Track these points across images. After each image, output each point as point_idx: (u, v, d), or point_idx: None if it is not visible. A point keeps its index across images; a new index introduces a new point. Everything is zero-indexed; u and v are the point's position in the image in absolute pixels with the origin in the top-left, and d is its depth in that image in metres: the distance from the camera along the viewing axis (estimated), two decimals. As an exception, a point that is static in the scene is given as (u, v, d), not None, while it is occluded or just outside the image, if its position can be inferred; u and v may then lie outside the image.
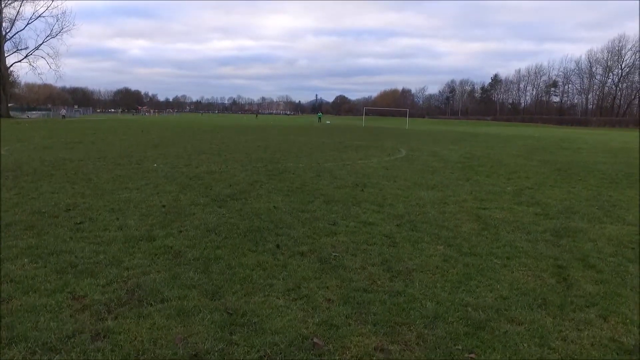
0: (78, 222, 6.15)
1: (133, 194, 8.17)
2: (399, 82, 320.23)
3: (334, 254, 5.00)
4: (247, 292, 3.98)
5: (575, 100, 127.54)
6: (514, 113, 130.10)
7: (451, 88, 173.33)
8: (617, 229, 6.63)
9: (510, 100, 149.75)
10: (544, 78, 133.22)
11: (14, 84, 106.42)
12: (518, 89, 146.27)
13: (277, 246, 5.23)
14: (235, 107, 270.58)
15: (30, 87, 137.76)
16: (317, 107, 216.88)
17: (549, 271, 4.72)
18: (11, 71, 73.36)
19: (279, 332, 3.30)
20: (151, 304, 3.68)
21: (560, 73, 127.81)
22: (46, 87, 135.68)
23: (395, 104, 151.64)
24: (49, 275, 4.22)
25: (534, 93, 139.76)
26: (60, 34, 72.25)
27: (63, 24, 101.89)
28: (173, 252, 4.95)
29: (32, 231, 5.64)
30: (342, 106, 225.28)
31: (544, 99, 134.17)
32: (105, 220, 6.25)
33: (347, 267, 4.62)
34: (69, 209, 6.86)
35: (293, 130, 38.47)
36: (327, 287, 4.09)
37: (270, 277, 4.30)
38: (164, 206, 7.20)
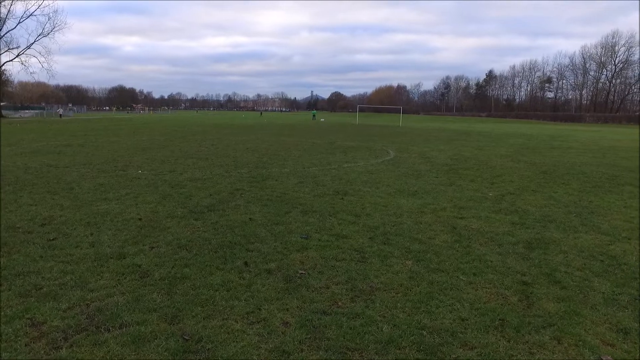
0: (51, 238, 6.15)
1: (112, 206, 8.17)
2: (394, 78, 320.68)
3: (300, 271, 5.02)
4: (207, 314, 4.00)
5: (570, 96, 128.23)
6: (509, 109, 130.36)
7: (446, 84, 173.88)
8: (590, 239, 6.68)
9: (504, 96, 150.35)
10: (538, 74, 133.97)
11: (7, 82, 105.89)
12: (512, 85, 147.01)
13: (245, 263, 5.25)
14: (230, 104, 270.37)
15: (24, 85, 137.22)
16: (312, 104, 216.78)
17: (513, 288, 4.76)
18: (4, 70, 72.99)
19: (230, 359, 3.33)
20: (109, 330, 3.70)
21: (555, 69, 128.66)
22: (40, 85, 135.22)
23: (391, 100, 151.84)
24: (11, 299, 4.23)
25: (529, 89, 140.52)
26: (52, 32, 71.96)
27: (55, 22, 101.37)
28: (140, 272, 4.96)
29: (3, 250, 5.64)
30: (337, 103, 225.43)
31: (538, 94, 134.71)
32: (79, 236, 6.26)
33: (311, 286, 4.64)
34: (44, 224, 6.86)
35: (285, 130, 38.45)
36: (287, 309, 4.12)
37: (233, 299, 4.32)
38: (140, 219, 7.20)
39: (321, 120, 74.66)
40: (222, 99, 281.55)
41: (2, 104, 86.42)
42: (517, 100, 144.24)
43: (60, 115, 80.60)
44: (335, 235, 6.46)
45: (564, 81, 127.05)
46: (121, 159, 15.61)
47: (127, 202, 8.45)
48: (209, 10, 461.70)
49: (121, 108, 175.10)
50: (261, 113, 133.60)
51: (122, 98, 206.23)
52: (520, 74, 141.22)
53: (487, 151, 21.09)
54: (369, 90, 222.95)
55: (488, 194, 10.15)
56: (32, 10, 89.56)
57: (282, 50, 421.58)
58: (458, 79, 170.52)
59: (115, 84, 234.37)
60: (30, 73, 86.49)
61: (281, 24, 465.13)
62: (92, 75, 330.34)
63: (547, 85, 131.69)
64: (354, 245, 6.05)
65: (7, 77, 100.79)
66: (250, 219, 7.31)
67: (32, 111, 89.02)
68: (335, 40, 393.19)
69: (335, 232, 6.61)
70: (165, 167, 13.64)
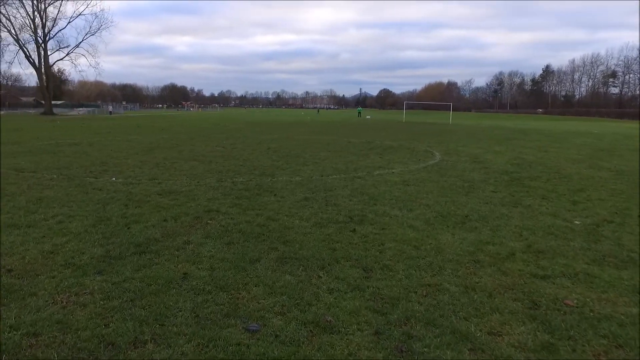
0: None
1: (7, 239, 5.51)
2: (444, 75, 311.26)
3: None
4: None
5: (637, 92, 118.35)
6: (567, 106, 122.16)
7: (499, 80, 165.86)
8: None
9: (563, 92, 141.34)
10: (601, 68, 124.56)
11: (67, 81, 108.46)
12: (572, 80, 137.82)
13: None
14: (279, 101, 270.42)
15: (83, 84, 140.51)
16: (360, 101, 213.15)
17: None
18: (63, 69, 74.02)
19: None
20: None
21: (620, 62, 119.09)
22: (98, 84, 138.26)
23: (441, 98, 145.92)
24: None
25: (590, 84, 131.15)
26: (99, 31, 72.12)
27: (101, 20, 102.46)
28: None
29: None
30: (386, 100, 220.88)
31: (600, 90, 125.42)
32: None
33: None
34: None
35: (324, 128, 35.53)
36: None
37: None
38: (10, 270, 4.47)
39: (367, 117, 71.34)
40: (271, 96, 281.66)
41: (60, 102, 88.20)
42: (577, 96, 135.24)
43: (110, 112, 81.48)
44: (311, 325, 3.47)
45: (630, 75, 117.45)
46: (111, 161, 13.17)
47: (35, 233, 5.77)
48: (257, 9, 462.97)
49: (173, 106, 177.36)
50: (318, 111, 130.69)
51: (174, 96, 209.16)
52: (581, 69, 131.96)
53: (553, 154, 17.40)
54: (418, 87, 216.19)
55: (574, 222, 6.90)
56: (81, 9, 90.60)
57: (329, 47, 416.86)
58: (512, 74, 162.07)
59: (168, 82, 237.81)
60: (79, 71, 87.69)
61: (329, 21, 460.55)
62: (147, 74, 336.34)
63: (611, 80, 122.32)
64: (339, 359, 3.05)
65: (67, 76, 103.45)
66: (184, 274, 4.42)
67: (87, 109, 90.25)
68: (383, 37, 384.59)
69: (314, 316, 3.61)
70: (152, 172, 11.02)
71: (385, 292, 4.11)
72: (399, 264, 4.84)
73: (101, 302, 3.77)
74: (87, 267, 4.58)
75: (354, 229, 6.14)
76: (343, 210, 7.23)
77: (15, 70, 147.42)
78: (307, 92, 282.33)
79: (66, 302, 3.77)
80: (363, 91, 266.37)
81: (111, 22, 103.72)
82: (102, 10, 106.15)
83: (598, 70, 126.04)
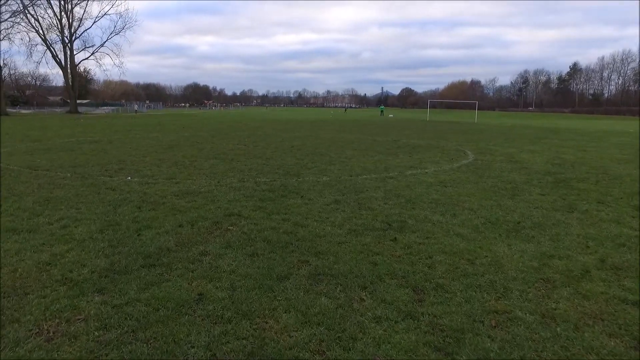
0: None
1: (1, 247, 4.87)
2: (467, 74, 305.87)
3: None
4: None
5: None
6: (596, 104, 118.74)
7: (524, 78, 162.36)
8: None
9: (591, 91, 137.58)
10: (632, 65, 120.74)
11: (92, 81, 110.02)
12: (601, 78, 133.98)
13: None
14: (300, 100, 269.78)
15: (108, 83, 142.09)
16: (382, 100, 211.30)
17: None
18: (88, 69, 74.90)
19: None
20: None
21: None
22: (122, 83, 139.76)
23: (464, 96, 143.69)
24: None
25: (620, 82, 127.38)
26: (123, 30, 72.84)
27: (126, 20, 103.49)
28: None
29: None
30: (408, 99, 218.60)
31: (632, 88, 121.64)
32: None
33: None
34: None
35: (347, 126, 34.69)
36: None
37: None
38: (-4, 288, 3.81)
39: (389, 116, 70.20)
40: (292, 95, 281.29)
41: (85, 101, 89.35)
42: (606, 94, 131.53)
43: (136, 111, 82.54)
44: (358, 370, 2.70)
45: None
46: (129, 159, 12.59)
47: (34, 240, 5.12)
48: (278, 9, 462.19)
49: (195, 105, 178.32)
50: (345, 109, 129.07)
51: (197, 95, 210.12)
52: (611, 66, 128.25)
53: (593, 153, 16.28)
54: (441, 86, 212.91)
55: (643, 230, 5.99)
56: (106, 9, 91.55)
57: (351, 46, 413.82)
58: (537, 72, 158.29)
59: (190, 81, 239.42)
60: (104, 71, 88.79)
61: (350, 20, 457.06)
62: (171, 73, 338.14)
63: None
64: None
65: (92, 76, 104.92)
66: (200, 295, 3.69)
67: (111, 108, 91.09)
68: (406, 36, 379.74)
69: (361, 357, 2.84)
70: (170, 171, 10.39)
71: (444, 321, 3.32)
72: (454, 283, 4.04)
73: (95, 333, 3.06)
74: (86, 283, 3.89)
75: (395, 238, 5.35)
76: (379, 215, 6.44)
77: (43, 70, 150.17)
78: (328, 91, 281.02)
79: (53, 333, 3.07)
80: (385, 90, 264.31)
81: (135, 21, 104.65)
82: (127, 10, 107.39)
83: (629, 67, 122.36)
